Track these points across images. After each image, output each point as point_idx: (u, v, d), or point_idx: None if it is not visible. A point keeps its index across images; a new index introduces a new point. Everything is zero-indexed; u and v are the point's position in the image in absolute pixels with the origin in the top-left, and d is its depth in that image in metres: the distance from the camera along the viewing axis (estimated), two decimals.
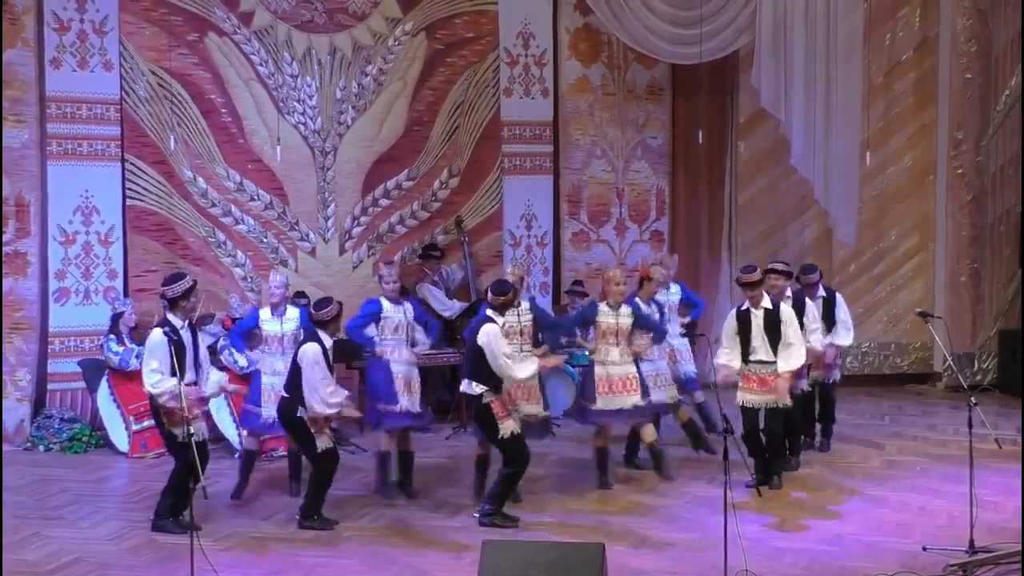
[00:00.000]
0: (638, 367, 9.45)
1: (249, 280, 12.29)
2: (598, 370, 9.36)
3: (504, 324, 8.68)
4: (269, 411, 9.14)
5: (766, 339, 9.26)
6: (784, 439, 9.58)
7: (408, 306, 9.51)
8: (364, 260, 12.76)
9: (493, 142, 13.21)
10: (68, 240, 11.59)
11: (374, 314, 9.31)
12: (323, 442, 8.29)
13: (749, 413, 9.37)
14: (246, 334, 9.83)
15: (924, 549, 7.51)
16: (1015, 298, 14.11)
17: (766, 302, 9.35)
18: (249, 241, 12.37)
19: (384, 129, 12.80)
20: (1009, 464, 9.40)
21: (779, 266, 9.95)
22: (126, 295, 11.64)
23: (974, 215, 13.91)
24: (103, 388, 10.96)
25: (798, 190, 13.67)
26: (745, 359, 9.37)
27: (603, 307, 9.45)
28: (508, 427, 8.36)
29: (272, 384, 9.18)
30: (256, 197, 12.40)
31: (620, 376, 9.33)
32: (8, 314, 11.16)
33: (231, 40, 12.23)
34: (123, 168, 11.81)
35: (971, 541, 7.33)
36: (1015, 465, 9.26)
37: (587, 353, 9.69)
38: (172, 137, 11.88)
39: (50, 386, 11.44)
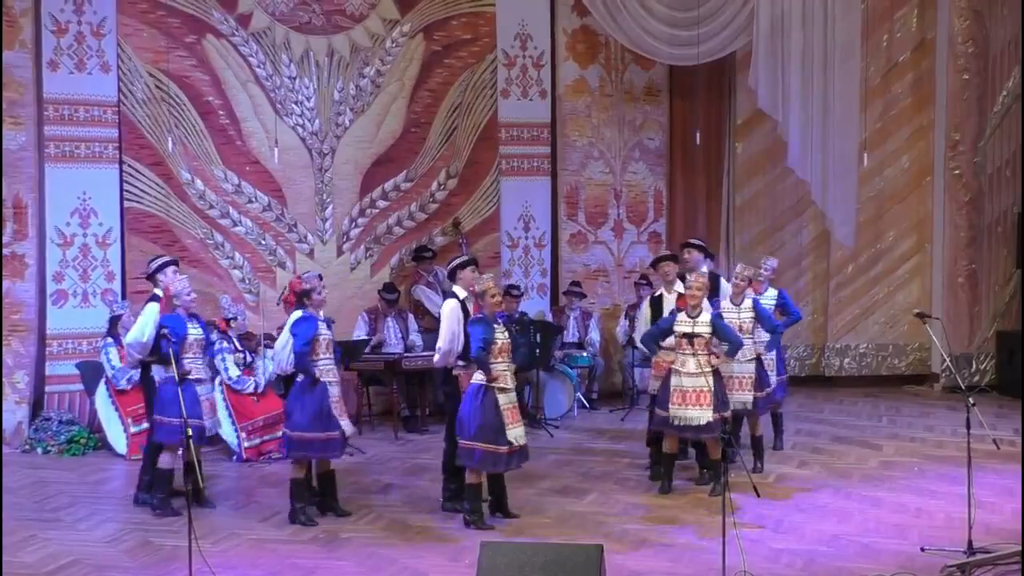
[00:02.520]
0: (716, 379, 9.01)
1: (247, 282, 12.30)
2: (673, 379, 9.03)
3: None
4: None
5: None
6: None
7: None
8: (362, 262, 12.77)
9: (491, 143, 13.22)
10: (66, 242, 11.59)
11: (316, 335, 8.45)
12: None
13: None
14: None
15: (922, 550, 7.51)
16: (1012, 299, 14.13)
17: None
18: (247, 243, 12.37)
19: (382, 131, 12.82)
20: (1007, 465, 9.41)
21: (695, 241, 10.49)
22: (124, 297, 11.64)
23: (972, 216, 13.92)
24: (101, 390, 10.95)
25: (796, 191, 13.70)
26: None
27: (681, 315, 9.12)
28: None
29: (204, 392, 8.99)
30: (254, 199, 12.40)
31: (693, 388, 8.92)
32: (6, 316, 11.15)
33: (229, 42, 12.24)
34: (121, 170, 11.81)
35: (969, 542, 7.32)
36: (1013, 466, 9.28)
37: (673, 365, 9.15)
38: (170, 139, 11.89)
39: (48, 388, 11.44)
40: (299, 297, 8.58)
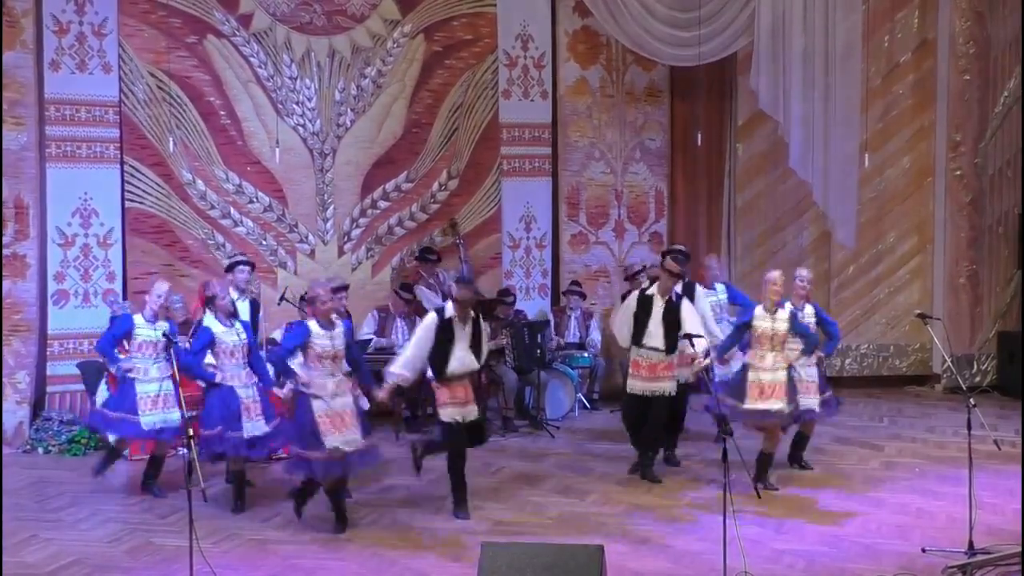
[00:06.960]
0: (790, 374, 9.27)
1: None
2: (751, 375, 9.24)
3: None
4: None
5: (662, 327, 9.41)
6: (661, 431, 9.71)
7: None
8: (363, 262, 12.78)
9: (492, 144, 13.22)
10: (67, 242, 11.59)
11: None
12: None
13: (635, 400, 9.54)
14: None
15: (923, 551, 7.52)
16: (1014, 300, 14.13)
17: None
18: (248, 243, 12.37)
19: (383, 131, 12.82)
20: (1008, 466, 9.41)
21: (684, 247, 10.43)
22: (125, 297, 11.64)
23: (973, 217, 13.92)
24: (102, 390, 10.93)
25: (797, 192, 13.69)
26: (638, 343, 9.46)
27: (759, 311, 9.36)
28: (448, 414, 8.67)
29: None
30: (255, 199, 12.41)
31: (770, 382, 9.19)
32: (7, 316, 11.16)
33: (230, 42, 12.25)
34: (122, 170, 11.81)
35: (970, 543, 7.33)
36: (1014, 467, 9.28)
37: (735, 368, 9.61)
38: (171, 139, 11.89)
39: (49, 388, 11.45)
40: (207, 302, 9.19)
